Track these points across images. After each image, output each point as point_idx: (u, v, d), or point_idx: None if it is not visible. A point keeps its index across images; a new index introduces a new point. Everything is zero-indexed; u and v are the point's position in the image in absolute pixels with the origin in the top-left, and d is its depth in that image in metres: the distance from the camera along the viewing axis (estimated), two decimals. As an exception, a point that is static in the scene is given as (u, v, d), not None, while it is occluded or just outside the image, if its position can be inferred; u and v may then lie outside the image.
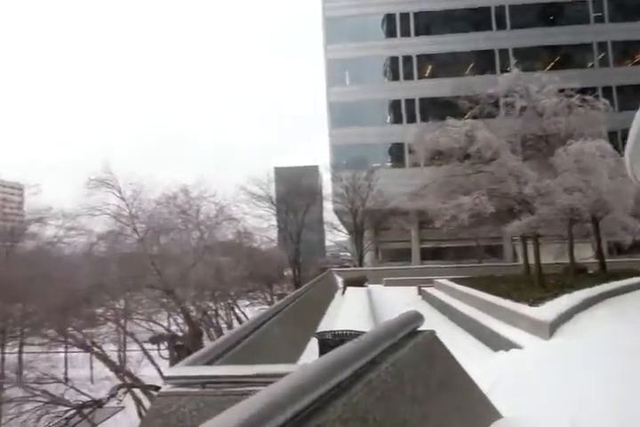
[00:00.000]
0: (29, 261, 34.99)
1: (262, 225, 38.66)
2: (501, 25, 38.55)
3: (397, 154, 38.88)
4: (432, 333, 3.73)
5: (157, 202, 27.68)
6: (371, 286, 22.62)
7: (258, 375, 2.52)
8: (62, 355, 27.40)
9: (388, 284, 25.75)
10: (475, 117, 17.81)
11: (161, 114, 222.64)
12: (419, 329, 3.65)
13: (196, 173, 74.51)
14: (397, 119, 39.28)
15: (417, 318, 3.70)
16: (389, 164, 40.63)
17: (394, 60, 39.75)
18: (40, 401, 13.23)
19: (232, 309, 32.94)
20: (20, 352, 30.36)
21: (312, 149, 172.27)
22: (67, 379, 20.13)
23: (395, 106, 39.62)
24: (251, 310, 38.08)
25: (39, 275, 33.01)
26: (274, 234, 43.32)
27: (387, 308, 14.36)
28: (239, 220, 34.19)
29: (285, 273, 47.16)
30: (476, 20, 39.18)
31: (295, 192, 40.02)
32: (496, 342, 9.54)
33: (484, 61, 37.94)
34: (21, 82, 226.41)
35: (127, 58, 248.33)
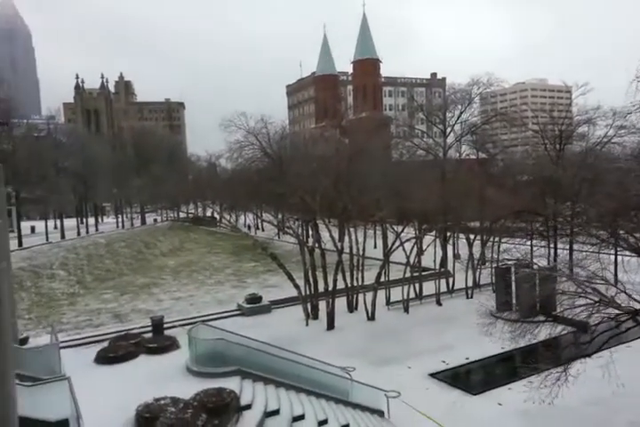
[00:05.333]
0: (578, 163, 35.47)
1: None
2: None
3: None
4: None
5: None
6: None
7: None
8: (612, 257, 27.07)
9: None
10: None
11: None
12: None
13: None
14: None
15: None
16: None
17: None
18: (591, 299, 13.53)
19: None
20: (571, 249, 31.95)
21: None
22: (617, 282, 19.77)
23: None
24: None
25: (588, 176, 33.03)
26: None
27: None
28: None
29: None
30: None
31: None
32: None
33: None
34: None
35: None
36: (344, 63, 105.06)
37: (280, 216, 44.70)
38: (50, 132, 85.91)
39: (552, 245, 35.20)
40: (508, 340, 16.54)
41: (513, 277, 28.92)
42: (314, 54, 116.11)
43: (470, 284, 33.83)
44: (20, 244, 55.85)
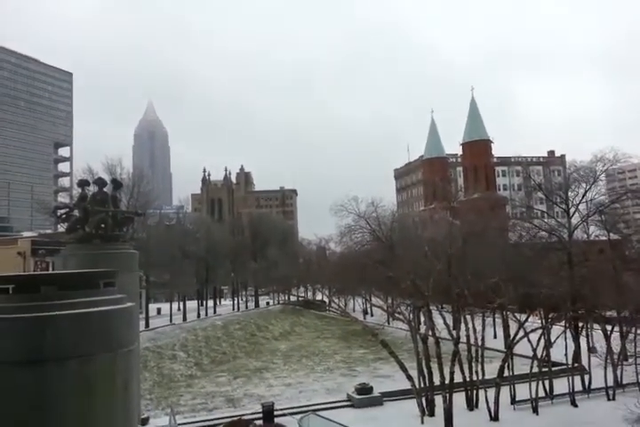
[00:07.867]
0: None
1: None
2: None
3: None
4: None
5: None
6: None
7: None
8: None
9: None
10: None
11: None
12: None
13: None
14: None
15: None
16: None
17: None
18: None
19: None
20: None
21: None
22: None
23: None
24: None
25: None
26: None
27: None
28: None
29: None
30: None
31: None
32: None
33: None
34: None
35: None
36: (451, 144, 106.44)
37: (390, 301, 43.57)
38: (179, 220, 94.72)
39: None
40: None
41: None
42: (416, 128, 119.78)
43: (611, 383, 29.45)
44: (147, 325, 59.74)
